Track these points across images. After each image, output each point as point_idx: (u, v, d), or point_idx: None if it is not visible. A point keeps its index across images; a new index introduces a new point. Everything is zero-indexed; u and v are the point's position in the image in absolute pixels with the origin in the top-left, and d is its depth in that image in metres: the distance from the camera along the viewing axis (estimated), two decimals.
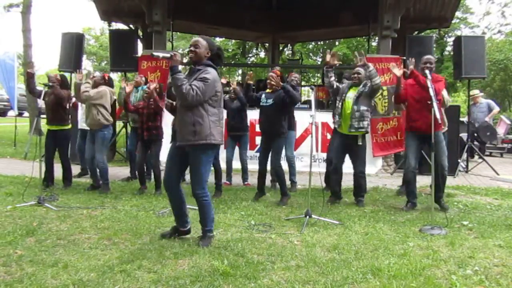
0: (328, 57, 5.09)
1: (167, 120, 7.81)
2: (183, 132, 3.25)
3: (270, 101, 5.08)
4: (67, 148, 5.78)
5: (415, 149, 4.86)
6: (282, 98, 4.98)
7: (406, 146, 4.98)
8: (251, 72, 5.69)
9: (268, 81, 5.12)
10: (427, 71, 4.42)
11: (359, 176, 5.07)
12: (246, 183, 6.26)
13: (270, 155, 5.14)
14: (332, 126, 5.74)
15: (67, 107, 5.69)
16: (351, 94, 5.03)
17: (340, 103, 5.05)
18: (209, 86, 3.18)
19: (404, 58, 7.87)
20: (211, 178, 5.41)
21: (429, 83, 4.26)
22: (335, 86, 5.15)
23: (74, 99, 6.55)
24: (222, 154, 6.45)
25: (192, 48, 3.26)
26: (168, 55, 3.21)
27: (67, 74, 9.63)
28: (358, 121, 4.92)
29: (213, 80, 3.22)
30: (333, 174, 5.22)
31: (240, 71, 23.50)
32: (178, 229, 3.52)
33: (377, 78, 4.85)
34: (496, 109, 9.85)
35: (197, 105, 3.21)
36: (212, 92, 3.24)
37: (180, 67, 3.38)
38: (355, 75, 5.07)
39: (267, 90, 5.25)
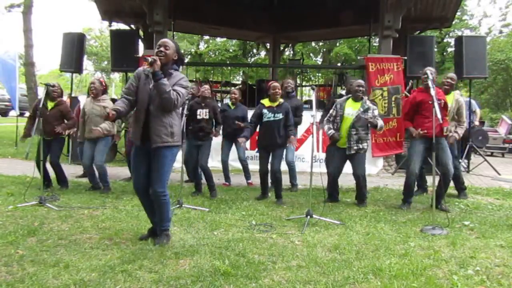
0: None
1: None
2: (159, 133, 3.22)
3: (279, 115, 4.98)
4: (58, 155, 5.67)
5: (420, 155, 4.85)
6: (289, 110, 5.01)
7: (411, 151, 4.91)
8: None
9: (272, 91, 5.05)
10: (428, 71, 4.43)
11: (360, 180, 5.00)
12: (249, 181, 6.26)
13: (270, 160, 5.12)
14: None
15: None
16: (350, 110, 4.97)
17: (339, 119, 4.99)
18: (186, 92, 3.29)
19: (405, 58, 7.88)
20: (205, 181, 5.43)
21: (430, 83, 4.26)
22: (334, 114, 5.10)
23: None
24: (219, 156, 6.45)
25: (162, 49, 3.23)
26: (150, 59, 3.12)
27: (68, 74, 9.70)
28: (356, 143, 4.90)
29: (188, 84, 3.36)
30: (331, 182, 5.19)
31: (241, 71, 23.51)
32: (155, 230, 3.48)
33: (381, 125, 4.95)
34: (478, 110, 9.62)
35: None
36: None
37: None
38: (359, 88, 4.98)
39: (268, 104, 5.13)
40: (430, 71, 4.48)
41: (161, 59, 3.19)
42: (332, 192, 5.17)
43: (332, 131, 5.00)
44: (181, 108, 3.40)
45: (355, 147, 4.90)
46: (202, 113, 5.40)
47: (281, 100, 5.11)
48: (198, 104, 5.43)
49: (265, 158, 5.16)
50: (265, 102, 5.19)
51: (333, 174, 5.12)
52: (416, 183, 5.31)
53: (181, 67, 3.51)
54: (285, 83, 5.93)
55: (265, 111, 5.09)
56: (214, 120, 5.61)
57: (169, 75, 3.24)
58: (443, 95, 4.93)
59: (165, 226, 3.39)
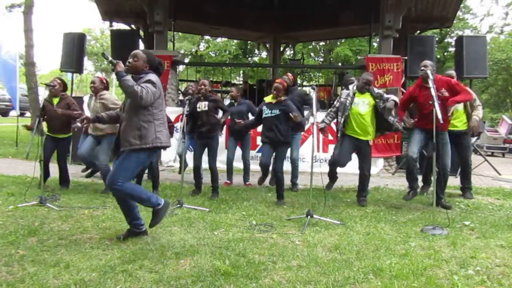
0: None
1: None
2: (127, 136, 3.26)
3: (276, 111, 4.99)
4: (66, 153, 5.74)
5: (419, 140, 4.88)
6: (289, 105, 4.99)
7: (411, 137, 5.01)
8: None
9: (273, 91, 5.05)
10: (428, 71, 4.42)
11: (366, 176, 5.06)
12: (247, 183, 6.26)
13: (272, 159, 5.13)
14: (333, 125, 5.73)
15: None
16: (357, 100, 5.01)
17: (347, 113, 5.00)
18: (155, 88, 3.24)
19: (406, 58, 7.87)
20: (207, 180, 5.43)
21: (430, 83, 4.25)
22: (336, 107, 5.17)
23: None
24: (221, 156, 6.45)
25: (130, 60, 3.33)
26: (114, 61, 3.25)
27: (69, 74, 9.71)
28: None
29: (158, 82, 3.29)
30: (333, 165, 5.18)
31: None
32: (132, 231, 3.47)
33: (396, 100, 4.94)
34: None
35: (143, 109, 3.25)
36: (158, 94, 3.29)
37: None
38: (364, 85, 5.03)
39: (268, 100, 5.16)
40: (430, 70, 4.46)
41: (128, 68, 3.30)
42: (332, 175, 5.21)
43: (323, 124, 5.11)
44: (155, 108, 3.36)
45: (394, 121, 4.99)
46: (202, 106, 5.29)
47: (282, 98, 5.08)
48: (198, 99, 5.38)
49: (267, 151, 5.15)
50: (267, 99, 5.24)
51: (336, 159, 5.12)
52: (422, 178, 5.50)
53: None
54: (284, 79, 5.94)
55: (264, 107, 5.15)
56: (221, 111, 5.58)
57: (139, 79, 3.28)
58: (446, 82, 4.81)
59: (152, 205, 3.35)
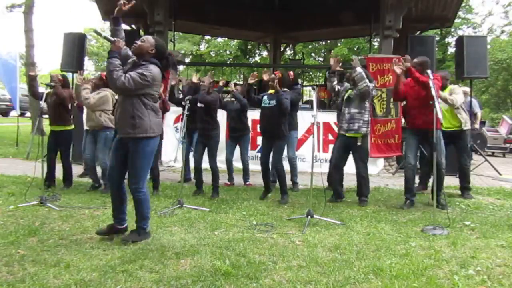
0: (332, 62, 5.15)
1: (168, 120, 7.84)
2: (122, 124, 3.27)
3: (272, 102, 5.06)
4: (68, 148, 5.75)
5: (415, 147, 4.96)
6: (283, 100, 5.00)
7: (406, 144, 5.07)
8: (255, 72, 5.66)
9: (270, 82, 5.11)
10: (428, 71, 4.42)
11: (361, 177, 5.09)
12: (247, 183, 6.26)
13: (271, 155, 5.16)
14: (334, 126, 5.75)
15: (69, 107, 5.67)
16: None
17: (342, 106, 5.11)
18: (145, 83, 3.19)
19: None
20: (208, 180, 5.43)
21: (430, 83, 4.26)
22: (336, 89, 5.24)
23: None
24: (221, 156, 6.45)
25: (137, 41, 3.34)
26: (112, 39, 3.23)
27: (69, 75, 9.70)
28: (348, 123, 4.97)
29: (152, 79, 3.23)
30: (334, 173, 5.26)
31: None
32: (114, 227, 3.46)
33: (362, 83, 4.83)
34: (479, 112, 9.28)
35: (137, 98, 3.24)
36: (148, 90, 3.27)
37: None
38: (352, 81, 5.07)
39: (269, 91, 5.23)
40: (430, 70, 4.46)
41: (133, 49, 3.30)
42: (337, 187, 5.21)
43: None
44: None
45: (345, 127, 4.98)
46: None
47: (282, 90, 5.09)
48: (197, 95, 5.39)
49: (265, 148, 5.21)
50: (270, 91, 5.28)
51: (335, 163, 5.20)
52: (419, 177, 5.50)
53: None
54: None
55: (264, 97, 5.21)
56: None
57: (140, 65, 3.26)
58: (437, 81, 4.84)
59: (142, 224, 3.39)
